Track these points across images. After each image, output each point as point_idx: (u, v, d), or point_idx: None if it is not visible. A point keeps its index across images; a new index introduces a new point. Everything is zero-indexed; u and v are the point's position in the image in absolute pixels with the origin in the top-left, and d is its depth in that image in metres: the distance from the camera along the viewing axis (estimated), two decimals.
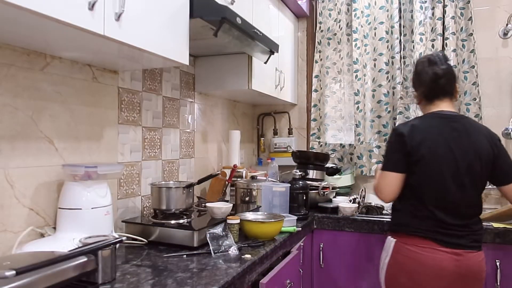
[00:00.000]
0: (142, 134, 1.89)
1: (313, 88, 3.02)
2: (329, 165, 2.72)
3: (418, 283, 1.54)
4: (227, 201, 2.07)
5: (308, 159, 2.57)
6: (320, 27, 3.01)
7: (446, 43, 2.59)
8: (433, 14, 2.63)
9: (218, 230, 1.51)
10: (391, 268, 1.63)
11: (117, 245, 1.30)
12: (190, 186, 1.70)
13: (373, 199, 2.62)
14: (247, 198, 2.03)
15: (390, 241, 1.65)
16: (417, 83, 1.72)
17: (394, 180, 1.61)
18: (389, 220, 1.73)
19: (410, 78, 2.70)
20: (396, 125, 1.70)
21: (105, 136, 1.67)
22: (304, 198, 2.19)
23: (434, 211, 1.55)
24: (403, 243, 1.60)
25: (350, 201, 2.47)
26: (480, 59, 2.58)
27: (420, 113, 2.60)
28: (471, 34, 2.57)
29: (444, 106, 1.65)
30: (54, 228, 1.39)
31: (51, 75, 1.42)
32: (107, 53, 1.42)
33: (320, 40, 3.00)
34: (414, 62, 2.65)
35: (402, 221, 1.63)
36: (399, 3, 2.73)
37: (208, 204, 1.75)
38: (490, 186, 1.67)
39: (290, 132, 3.07)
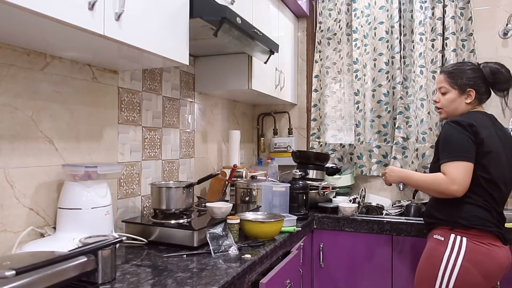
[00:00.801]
0: (142, 134, 1.89)
1: (313, 88, 3.02)
2: (329, 165, 2.71)
3: (489, 280, 1.56)
4: (227, 201, 2.07)
5: (308, 159, 2.57)
6: (320, 27, 3.01)
7: (446, 43, 2.59)
8: (433, 14, 2.62)
9: (218, 230, 1.51)
10: (465, 270, 1.53)
11: (117, 245, 1.30)
12: (190, 186, 1.70)
13: (373, 199, 2.63)
14: (247, 198, 2.03)
15: (459, 240, 1.56)
16: (491, 85, 1.72)
17: (470, 170, 1.55)
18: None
19: (410, 78, 2.71)
20: (442, 121, 1.74)
21: (105, 136, 1.67)
22: (304, 198, 2.19)
23: (500, 207, 1.61)
24: (477, 241, 1.54)
25: (350, 201, 2.48)
26: (480, 59, 2.57)
27: (420, 113, 2.63)
28: (471, 34, 2.57)
29: (482, 108, 1.76)
30: (54, 228, 1.40)
31: (51, 75, 1.42)
32: (107, 53, 1.42)
33: (320, 40, 3.00)
34: (414, 62, 2.67)
35: (476, 215, 1.56)
36: (399, 3, 2.72)
37: (208, 204, 1.75)
38: None
39: (290, 132, 3.07)
